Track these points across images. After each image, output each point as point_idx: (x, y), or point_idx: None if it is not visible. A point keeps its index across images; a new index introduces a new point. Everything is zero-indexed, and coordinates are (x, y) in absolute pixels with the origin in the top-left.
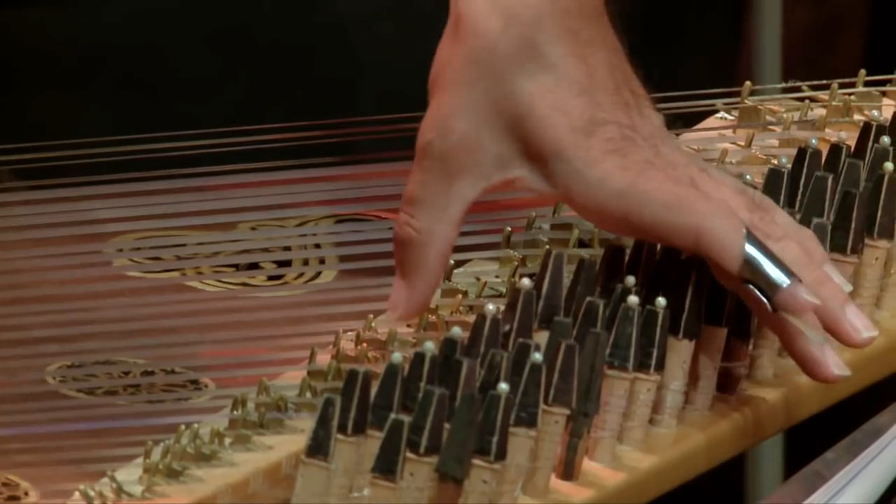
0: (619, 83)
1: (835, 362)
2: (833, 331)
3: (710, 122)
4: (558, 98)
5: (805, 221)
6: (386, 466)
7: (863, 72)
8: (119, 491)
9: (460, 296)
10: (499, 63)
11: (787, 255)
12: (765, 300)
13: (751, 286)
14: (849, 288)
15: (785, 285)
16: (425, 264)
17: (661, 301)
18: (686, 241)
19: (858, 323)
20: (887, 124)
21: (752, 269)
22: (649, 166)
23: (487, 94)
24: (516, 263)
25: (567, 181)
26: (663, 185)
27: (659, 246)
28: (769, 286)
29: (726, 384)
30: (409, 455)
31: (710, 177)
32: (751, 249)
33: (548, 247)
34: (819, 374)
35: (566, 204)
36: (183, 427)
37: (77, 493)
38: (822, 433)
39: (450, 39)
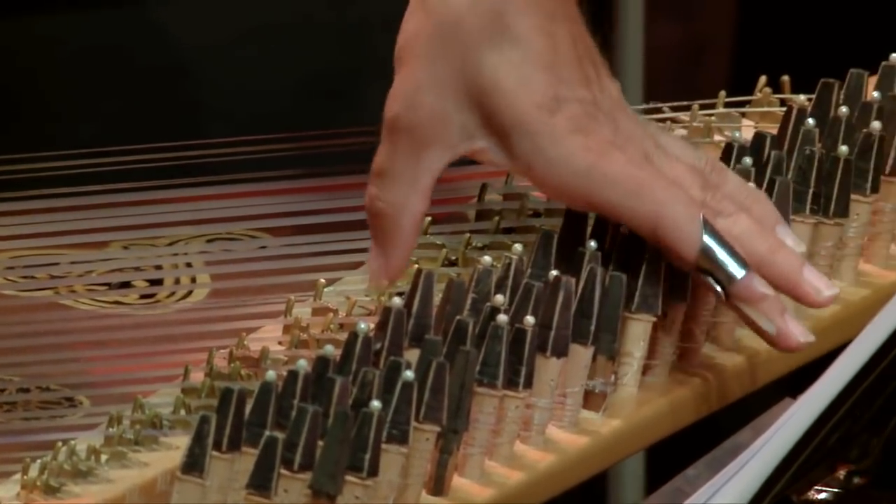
0: (581, 56)
1: (799, 332)
2: (794, 295)
3: None
4: (524, 73)
5: None
6: (260, 483)
7: (723, 93)
8: None
9: (331, 314)
10: (466, 36)
11: (739, 229)
12: (720, 290)
13: (707, 276)
14: (803, 248)
15: (739, 277)
16: (399, 235)
17: (529, 319)
18: (644, 227)
19: (818, 283)
20: (748, 145)
21: (708, 260)
22: (611, 146)
23: (454, 68)
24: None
25: (529, 157)
26: (625, 169)
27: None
28: (724, 277)
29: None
30: (284, 471)
31: (665, 152)
32: (708, 240)
33: (417, 266)
34: (785, 346)
35: (526, 178)
36: (60, 444)
37: None
38: (684, 450)
39: (416, 12)
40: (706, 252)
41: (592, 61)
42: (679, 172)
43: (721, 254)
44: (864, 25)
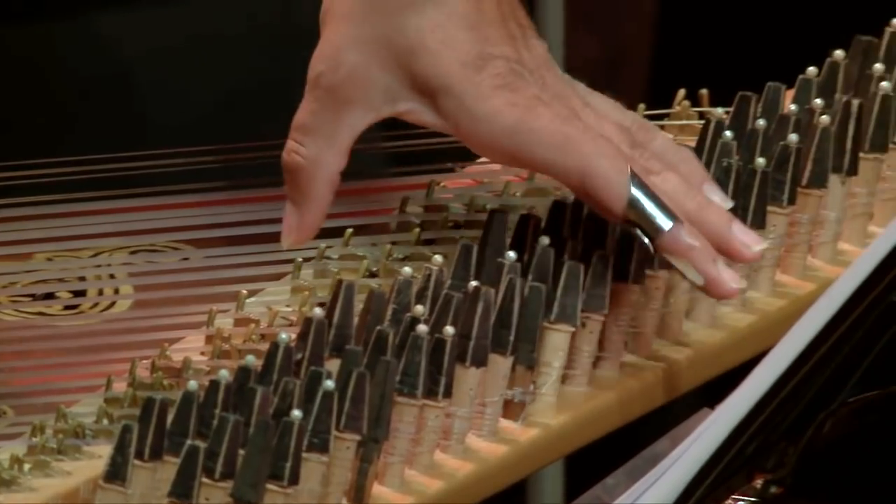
0: (505, 15)
1: (731, 277)
2: (723, 251)
3: None
4: (448, 33)
5: (587, 252)
6: (182, 491)
7: (642, 106)
8: None
9: (253, 324)
10: None
11: (667, 187)
12: (648, 242)
13: (635, 228)
14: (730, 204)
15: (667, 228)
16: (315, 191)
17: (448, 330)
18: (572, 181)
19: (747, 238)
20: None
21: (636, 212)
22: (537, 102)
23: (377, 28)
24: (307, 293)
25: (456, 116)
26: (551, 124)
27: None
28: (652, 229)
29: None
30: (205, 480)
31: (593, 109)
32: (635, 192)
33: (338, 276)
34: (717, 293)
35: (455, 136)
36: None
37: None
38: (603, 459)
39: None
40: (633, 204)
41: (517, 21)
42: (607, 130)
43: (649, 206)
44: (781, 39)
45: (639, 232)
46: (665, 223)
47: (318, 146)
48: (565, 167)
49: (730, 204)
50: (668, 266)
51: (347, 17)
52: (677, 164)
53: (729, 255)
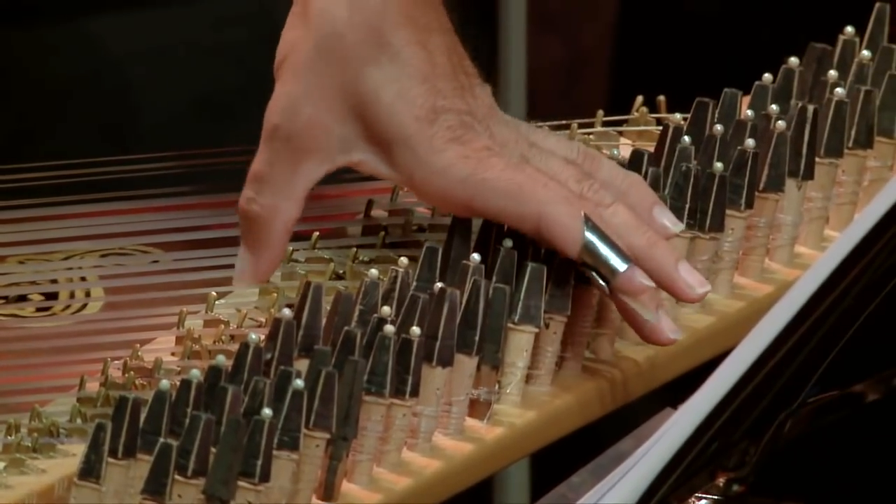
0: (455, 66)
1: (669, 328)
2: (668, 289)
3: None
4: (402, 86)
5: (550, 254)
6: (155, 488)
7: (600, 112)
8: None
9: (222, 325)
10: (346, 51)
11: (617, 221)
12: (603, 284)
13: (591, 271)
14: (680, 227)
15: (622, 270)
16: (270, 239)
17: (415, 330)
18: (528, 227)
19: (692, 279)
20: (626, 163)
21: (591, 255)
22: (488, 153)
23: (334, 81)
24: (276, 295)
25: (410, 168)
26: (504, 173)
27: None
28: (607, 272)
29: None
30: (178, 477)
31: (540, 150)
32: (589, 236)
33: (306, 278)
34: (656, 340)
35: (408, 189)
36: None
37: None
38: (568, 457)
39: (297, 24)
40: (589, 248)
41: (465, 71)
42: (556, 168)
43: (603, 248)
44: (737, 47)
45: (594, 274)
46: (620, 265)
47: (275, 196)
48: (520, 214)
49: (680, 227)
50: None
51: (303, 69)
52: (626, 190)
53: (674, 293)
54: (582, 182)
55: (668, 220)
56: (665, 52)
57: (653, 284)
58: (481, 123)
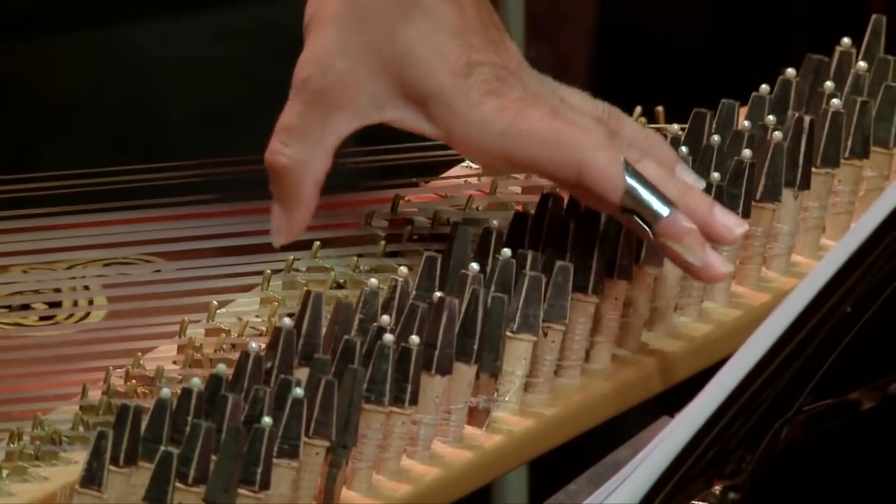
0: (484, 20)
1: (719, 262)
2: (707, 234)
3: (456, 170)
4: (436, 42)
5: (549, 264)
6: (156, 496)
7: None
8: None
9: (224, 334)
10: (378, 8)
11: (648, 173)
12: (647, 229)
13: (633, 216)
14: (703, 183)
15: (665, 214)
16: (301, 193)
17: (414, 339)
18: (569, 175)
19: (729, 221)
20: None
21: (633, 200)
22: (524, 104)
23: (367, 38)
24: (276, 303)
25: (448, 122)
26: (542, 122)
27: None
28: (651, 216)
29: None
30: (179, 485)
31: (569, 105)
32: (631, 181)
33: (306, 288)
34: (707, 277)
35: (446, 143)
36: None
37: None
38: (566, 465)
39: None
40: (631, 193)
41: (495, 25)
42: (586, 123)
43: (645, 193)
44: (735, 58)
45: (637, 219)
46: (663, 209)
47: (305, 148)
48: (561, 162)
49: (702, 183)
50: (628, 277)
51: (336, 24)
52: (649, 148)
53: (712, 238)
54: (611, 138)
55: (691, 178)
56: (664, 63)
57: (695, 227)
58: (514, 76)
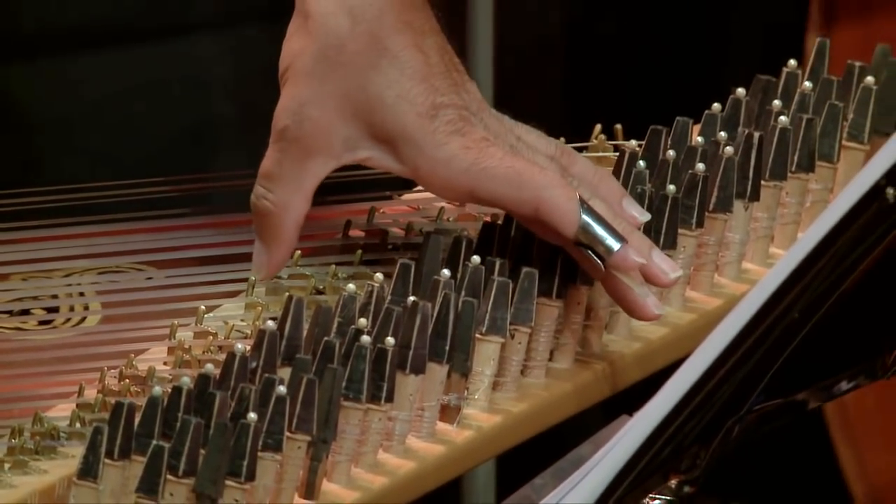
0: (447, 65)
1: (654, 304)
2: (645, 274)
3: None
4: (403, 87)
5: (515, 270)
6: (148, 487)
7: (562, 140)
8: None
9: (211, 337)
10: (349, 59)
11: (598, 210)
12: (598, 262)
13: (587, 250)
14: (647, 217)
15: (617, 248)
16: (282, 232)
17: (389, 340)
18: (527, 211)
19: (665, 266)
20: None
21: (587, 235)
22: (486, 143)
23: (338, 86)
24: (260, 308)
25: (416, 161)
26: (503, 161)
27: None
28: (604, 250)
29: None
30: (170, 477)
31: (525, 143)
32: (585, 217)
33: (288, 293)
34: (643, 315)
35: (414, 179)
36: None
37: None
38: (531, 461)
39: (299, 34)
40: (585, 228)
41: (456, 69)
42: (542, 161)
43: (599, 229)
44: (688, 77)
45: (590, 253)
46: (615, 244)
47: (285, 193)
48: (520, 199)
49: (647, 216)
50: (590, 282)
51: (309, 76)
52: (597, 183)
53: (649, 278)
54: (564, 176)
55: (636, 211)
56: (621, 82)
57: (644, 260)
58: (476, 116)
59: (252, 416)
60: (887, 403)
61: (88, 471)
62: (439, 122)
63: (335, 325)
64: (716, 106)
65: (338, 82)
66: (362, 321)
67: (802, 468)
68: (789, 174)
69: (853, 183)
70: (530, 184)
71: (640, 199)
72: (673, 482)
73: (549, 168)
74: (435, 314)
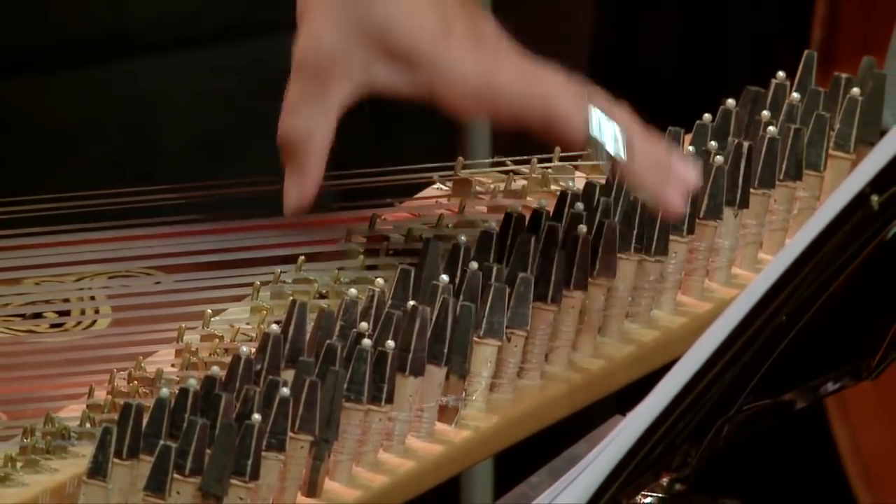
0: None
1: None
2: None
3: (429, 191)
4: (415, 8)
5: (512, 276)
6: (156, 486)
7: (558, 148)
8: None
9: (217, 340)
10: None
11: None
12: (614, 155)
13: (601, 143)
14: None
15: (621, 158)
16: (309, 161)
17: (390, 343)
18: (538, 112)
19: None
20: (580, 193)
21: (593, 142)
22: (498, 56)
23: (352, 14)
24: (265, 312)
25: (430, 78)
26: (515, 68)
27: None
28: (609, 159)
29: None
30: (176, 476)
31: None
32: (595, 112)
33: (292, 297)
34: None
35: (430, 96)
36: None
37: None
38: (528, 459)
39: None
40: (593, 123)
41: None
42: (556, 72)
43: (606, 133)
44: (679, 88)
45: (604, 144)
46: (620, 154)
47: (310, 119)
48: (533, 99)
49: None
50: (584, 287)
51: (325, 8)
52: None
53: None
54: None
55: None
56: (611, 95)
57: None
58: (489, 35)
59: (256, 416)
60: (882, 382)
61: (98, 470)
62: (452, 39)
63: (337, 329)
64: (706, 116)
65: (351, 9)
66: (363, 325)
67: (791, 466)
68: (777, 182)
69: (839, 191)
70: (541, 85)
71: (632, 206)
72: (665, 480)
73: (562, 77)
74: (434, 318)
